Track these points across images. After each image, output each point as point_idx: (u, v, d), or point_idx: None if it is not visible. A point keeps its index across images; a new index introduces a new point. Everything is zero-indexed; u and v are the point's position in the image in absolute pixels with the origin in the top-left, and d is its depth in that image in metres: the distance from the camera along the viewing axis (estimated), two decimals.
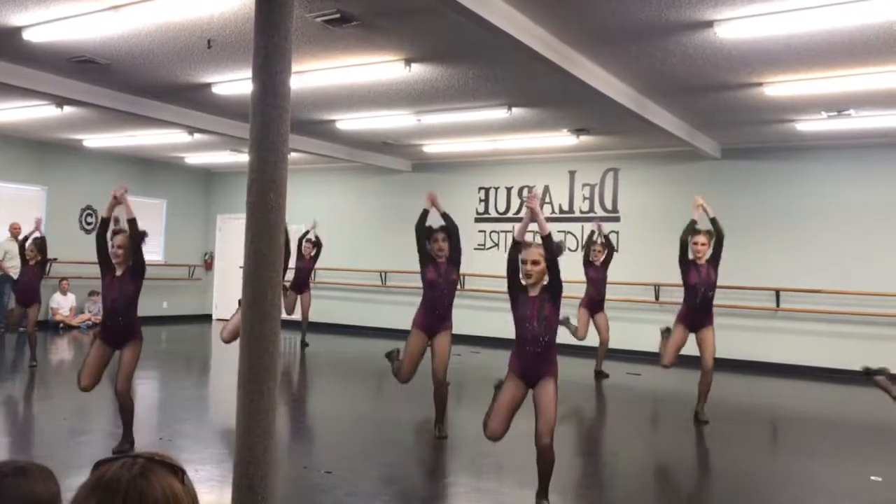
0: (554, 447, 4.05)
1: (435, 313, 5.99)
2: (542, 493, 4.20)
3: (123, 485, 1.06)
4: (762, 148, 10.57)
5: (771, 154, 10.58)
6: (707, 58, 6.52)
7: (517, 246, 4.40)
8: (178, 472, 1.13)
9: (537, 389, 4.22)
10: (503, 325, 11.96)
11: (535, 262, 4.27)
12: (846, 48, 6.13)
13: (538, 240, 4.35)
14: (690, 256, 6.82)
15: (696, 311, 6.81)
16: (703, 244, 6.83)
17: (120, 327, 5.28)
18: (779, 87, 7.29)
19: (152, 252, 14.97)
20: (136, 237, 5.26)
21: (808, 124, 9.03)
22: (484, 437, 4.42)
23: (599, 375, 9.21)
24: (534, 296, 4.30)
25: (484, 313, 12.15)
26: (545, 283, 4.32)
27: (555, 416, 4.11)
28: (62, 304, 12.93)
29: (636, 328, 10.84)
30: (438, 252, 6.04)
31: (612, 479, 5.34)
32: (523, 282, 4.35)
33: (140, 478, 1.07)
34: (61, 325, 12.87)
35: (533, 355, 4.26)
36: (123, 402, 5.27)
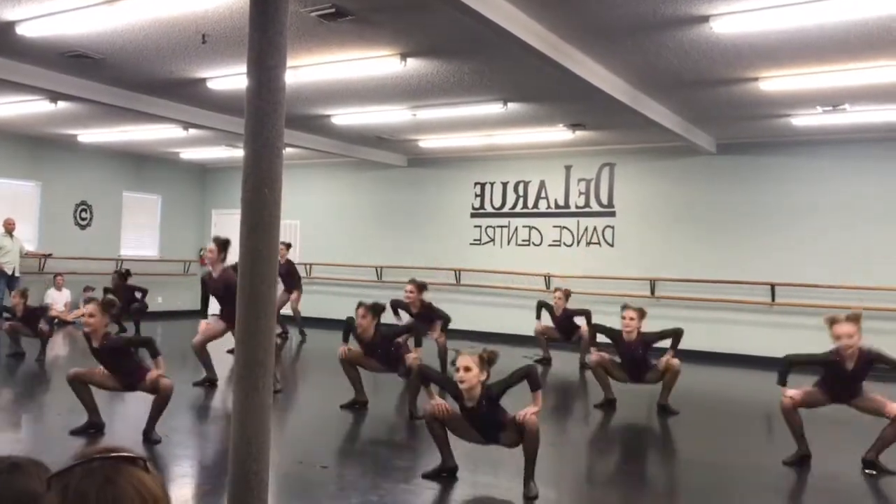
0: (545, 441, 4.06)
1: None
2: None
3: (93, 500, 1.00)
4: (758, 143, 10.58)
5: (766, 149, 10.60)
6: (703, 52, 6.52)
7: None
8: (139, 462, 1.08)
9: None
10: (498, 320, 12.06)
11: (467, 369, 4.17)
12: (841, 43, 6.13)
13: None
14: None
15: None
16: (631, 318, 6.62)
17: None
18: (774, 81, 7.30)
19: (147, 248, 14.96)
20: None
21: (804, 119, 9.04)
22: None
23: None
24: (472, 407, 4.27)
25: (479, 308, 12.15)
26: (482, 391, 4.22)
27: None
28: (57, 299, 12.87)
29: None
30: (358, 327, 6.49)
31: (605, 475, 5.36)
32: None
33: (107, 485, 1.02)
34: (56, 320, 12.80)
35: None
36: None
